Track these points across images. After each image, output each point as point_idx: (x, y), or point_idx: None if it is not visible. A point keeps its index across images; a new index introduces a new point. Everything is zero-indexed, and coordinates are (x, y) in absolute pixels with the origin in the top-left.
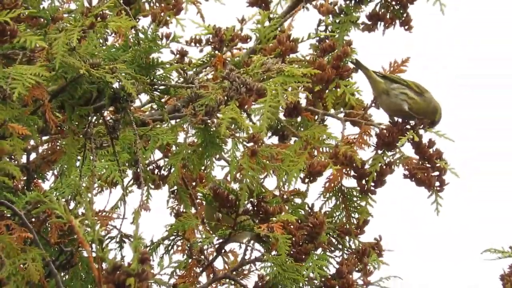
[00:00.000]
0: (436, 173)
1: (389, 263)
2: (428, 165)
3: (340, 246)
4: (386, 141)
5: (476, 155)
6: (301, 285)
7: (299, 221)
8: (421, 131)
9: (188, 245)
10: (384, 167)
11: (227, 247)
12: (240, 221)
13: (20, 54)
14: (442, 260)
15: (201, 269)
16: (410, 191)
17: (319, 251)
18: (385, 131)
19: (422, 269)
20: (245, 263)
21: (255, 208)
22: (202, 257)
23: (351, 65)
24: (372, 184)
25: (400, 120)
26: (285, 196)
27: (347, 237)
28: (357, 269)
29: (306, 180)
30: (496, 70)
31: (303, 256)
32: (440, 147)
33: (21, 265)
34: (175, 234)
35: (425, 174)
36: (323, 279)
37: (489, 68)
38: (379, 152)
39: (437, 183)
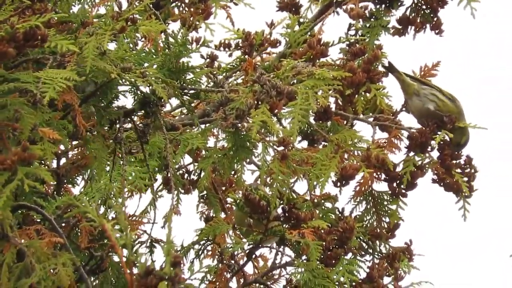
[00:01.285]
0: (465, 179)
1: (420, 268)
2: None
3: (370, 251)
4: (419, 143)
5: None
6: (334, 276)
7: (330, 225)
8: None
9: (219, 250)
10: (416, 170)
11: (257, 252)
12: (271, 227)
13: (51, 58)
14: (472, 264)
15: (231, 274)
16: (440, 195)
17: (349, 255)
18: (417, 132)
19: (452, 273)
20: (275, 267)
21: (286, 214)
22: (233, 261)
23: (381, 69)
24: (403, 187)
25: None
26: (315, 201)
27: (377, 242)
28: (387, 274)
29: (339, 184)
30: None
31: (333, 261)
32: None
33: (51, 270)
34: (205, 239)
35: (454, 180)
36: (353, 284)
37: None
38: (411, 154)
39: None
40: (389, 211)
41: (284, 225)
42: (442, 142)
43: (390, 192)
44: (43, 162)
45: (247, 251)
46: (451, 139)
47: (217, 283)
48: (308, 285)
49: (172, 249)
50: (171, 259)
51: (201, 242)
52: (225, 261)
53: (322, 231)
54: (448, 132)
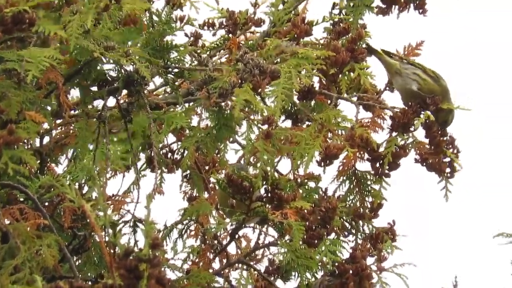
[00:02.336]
0: (447, 159)
1: (402, 248)
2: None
3: (353, 231)
4: (401, 123)
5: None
6: (314, 271)
7: (313, 205)
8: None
9: (202, 230)
10: (398, 150)
11: (240, 232)
12: (253, 207)
13: (34, 37)
14: (454, 245)
15: (214, 254)
16: (423, 175)
17: (333, 236)
18: (399, 113)
19: (435, 254)
20: (258, 248)
21: (269, 195)
22: (216, 241)
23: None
24: (387, 167)
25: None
26: (299, 180)
27: (360, 222)
28: (370, 254)
29: (322, 163)
30: None
31: (316, 241)
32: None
33: (36, 251)
34: (188, 218)
35: (436, 160)
36: (336, 264)
37: None
38: (394, 134)
39: (448, 169)
40: (372, 191)
41: (267, 206)
42: (428, 121)
43: (373, 172)
44: (26, 141)
45: (230, 232)
46: (437, 117)
47: (200, 264)
48: (291, 265)
49: (154, 229)
50: (150, 241)
51: (184, 222)
52: (208, 241)
53: (305, 211)
54: (433, 112)
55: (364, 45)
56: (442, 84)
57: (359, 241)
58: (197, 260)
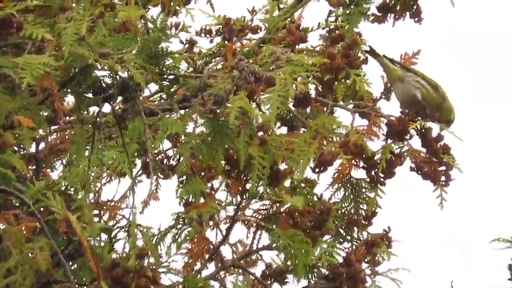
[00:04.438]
0: (443, 167)
1: (398, 254)
2: (433, 158)
3: (348, 238)
4: (397, 130)
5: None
6: (312, 257)
7: (309, 205)
8: (430, 124)
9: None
10: (393, 158)
11: (236, 237)
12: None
13: (29, 43)
14: (450, 250)
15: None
16: (419, 183)
17: (327, 238)
18: (395, 120)
19: (430, 259)
20: (253, 251)
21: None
22: (211, 222)
23: (362, 56)
24: (382, 175)
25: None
26: (295, 183)
27: (355, 228)
28: (366, 260)
29: (317, 169)
30: None
31: (311, 243)
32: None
33: (29, 255)
34: (182, 222)
35: (432, 168)
36: (331, 267)
37: None
38: (389, 141)
39: (443, 178)
40: (367, 199)
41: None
42: (423, 130)
43: (368, 180)
44: (21, 147)
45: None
46: (440, 117)
47: (196, 248)
48: (288, 250)
49: (149, 234)
50: (136, 252)
51: (178, 226)
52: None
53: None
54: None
55: (367, 48)
56: (441, 93)
57: (354, 248)
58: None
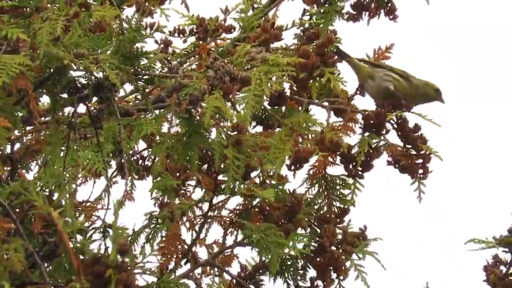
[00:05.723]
0: (420, 160)
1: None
2: (411, 149)
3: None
4: (373, 123)
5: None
6: (286, 250)
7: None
8: (406, 115)
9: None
10: (371, 151)
11: (212, 238)
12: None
13: (4, 44)
14: (426, 250)
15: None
16: (397, 178)
17: (304, 237)
18: (372, 113)
19: (406, 259)
20: (226, 248)
21: None
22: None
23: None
24: (360, 168)
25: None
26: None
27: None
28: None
29: (293, 167)
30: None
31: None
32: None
33: (4, 256)
34: (155, 222)
35: (409, 161)
36: (306, 258)
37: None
38: (366, 135)
39: (421, 171)
40: (341, 196)
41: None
42: (400, 121)
43: (346, 174)
44: None
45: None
46: (426, 99)
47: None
48: (261, 244)
49: (124, 234)
50: (117, 247)
51: (151, 226)
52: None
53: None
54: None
55: (335, 48)
56: (412, 82)
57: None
58: (166, 245)
